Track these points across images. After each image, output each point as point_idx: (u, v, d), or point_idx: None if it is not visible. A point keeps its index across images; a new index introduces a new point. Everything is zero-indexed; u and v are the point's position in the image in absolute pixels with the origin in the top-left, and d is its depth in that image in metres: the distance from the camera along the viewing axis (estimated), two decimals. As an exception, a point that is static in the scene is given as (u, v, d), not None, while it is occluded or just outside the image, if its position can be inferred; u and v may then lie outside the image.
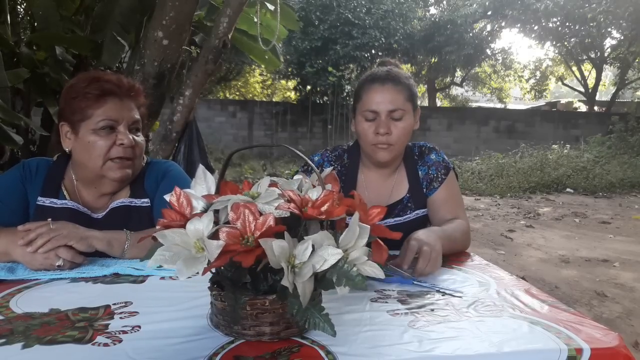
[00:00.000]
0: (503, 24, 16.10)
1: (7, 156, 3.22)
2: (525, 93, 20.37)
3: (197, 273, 0.67)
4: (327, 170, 0.87)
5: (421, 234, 1.15)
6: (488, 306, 0.90)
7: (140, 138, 1.28)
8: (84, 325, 0.79)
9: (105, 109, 1.20)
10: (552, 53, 18.34)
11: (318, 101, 13.56)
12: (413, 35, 14.22)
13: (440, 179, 1.44)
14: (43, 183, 1.28)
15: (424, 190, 1.45)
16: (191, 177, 0.85)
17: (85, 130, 1.21)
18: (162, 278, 1.05)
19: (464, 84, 19.24)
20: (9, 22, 2.89)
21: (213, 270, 0.72)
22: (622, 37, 15.39)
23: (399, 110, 1.34)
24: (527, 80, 19.67)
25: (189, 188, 0.80)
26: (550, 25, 15.54)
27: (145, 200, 1.32)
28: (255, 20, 3.09)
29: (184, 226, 0.70)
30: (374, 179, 1.47)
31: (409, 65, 16.55)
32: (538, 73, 19.50)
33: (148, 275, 1.06)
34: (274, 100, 16.35)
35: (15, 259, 1.09)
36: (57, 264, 1.05)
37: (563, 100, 21.45)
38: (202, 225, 0.69)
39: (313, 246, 0.69)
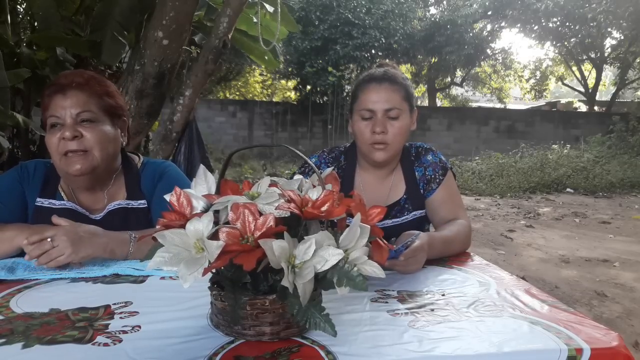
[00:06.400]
0: (503, 24, 16.10)
1: (5, 156, 3.22)
2: (525, 93, 20.35)
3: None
4: (328, 170, 0.87)
5: (425, 242, 1.14)
6: (488, 306, 0.90)
7: (97, 128, 1.22)
8: (84, 325, 0.79)
9: (51, 108, 1.20)
10: (552, 53, 18.35)
11: (318, 101, 13.56)
12: (413, 35, 14.21)
13: (438, 180, 1.43)
14: (42, 184, 1.28)
15: (422, 191, 1.44)
16: (191, 177, 0.84)
17: (47, 132, 1.23)
18: (162, 278, 1.05)
19: (464, 84, 19.22)
20: (9, 22, 2.89)
21: (213, 269, 0.72)
22: (622, 37, 15.38)
23: (395, 110, 1.34)
24: (527, 80, 19.65)
25: (187, 188, 0.80)
26: (550, 25, 15.53)
27: (142, 201, 1.32)
28: (255, 20, 3.10)
29: (184, 226, 0.70)
30: (371, 180, 1.46)
31: (409, 65, 16.54)
32: (538, 73, 19.48)
33: (148, 275, 1.06)
34: (274, 100, 16.34)
35: (19, 244, 1.12)
36: None
37: (563, 100, 21.43)
38: (201, 226, 0.69)
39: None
